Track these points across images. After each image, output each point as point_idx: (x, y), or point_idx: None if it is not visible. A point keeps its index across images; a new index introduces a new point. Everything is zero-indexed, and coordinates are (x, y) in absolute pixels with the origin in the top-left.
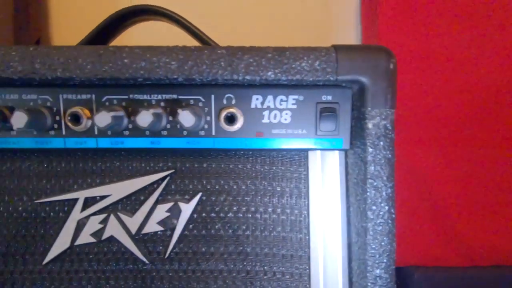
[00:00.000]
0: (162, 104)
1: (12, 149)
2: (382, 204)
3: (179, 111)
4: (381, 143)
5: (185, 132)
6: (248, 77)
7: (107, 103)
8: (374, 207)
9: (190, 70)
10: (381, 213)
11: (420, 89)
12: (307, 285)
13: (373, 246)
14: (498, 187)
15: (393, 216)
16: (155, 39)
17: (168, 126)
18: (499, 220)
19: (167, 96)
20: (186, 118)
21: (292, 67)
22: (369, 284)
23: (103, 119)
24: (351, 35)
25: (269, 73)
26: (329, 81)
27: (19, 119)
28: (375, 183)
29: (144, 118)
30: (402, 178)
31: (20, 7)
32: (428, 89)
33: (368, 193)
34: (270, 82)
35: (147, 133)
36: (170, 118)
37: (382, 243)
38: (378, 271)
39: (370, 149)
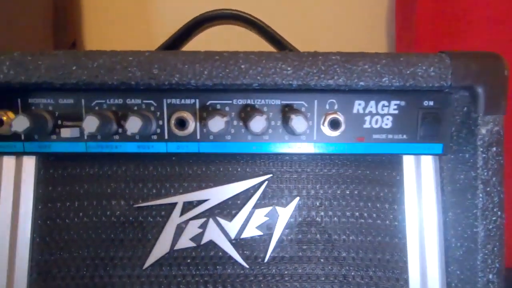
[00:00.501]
0: (266, 109)
1: (112, 153)
2: (495, 210)
3: (292, 116)
4: (493, 148)
5: (286, 137)
6: (362, 83)
7: (210, 108)
8: (486, 213)
9: (305, 76)
10: (493, 218)
11: None
12: None
13: (485, 252)
14: None
15: (503, 220)
16: (213, 43)
17: (271, 130)
18: None
19: (274, 102)
20: (298, 123)
21: (407, 73)
22: None
23: (214, 124)
24: (381, 40)
25: (384, 79)
26: (441, 87)
27: (133, 124)
28: (487, 189)
29: (258, 124)
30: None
31: (59, 10)
32: None
33: (480, 199)
34: (384, 88)
35: (249, 138)
36: (277, 123)
37: (495, 248)
38: (490, 276)
39: (483, 155)
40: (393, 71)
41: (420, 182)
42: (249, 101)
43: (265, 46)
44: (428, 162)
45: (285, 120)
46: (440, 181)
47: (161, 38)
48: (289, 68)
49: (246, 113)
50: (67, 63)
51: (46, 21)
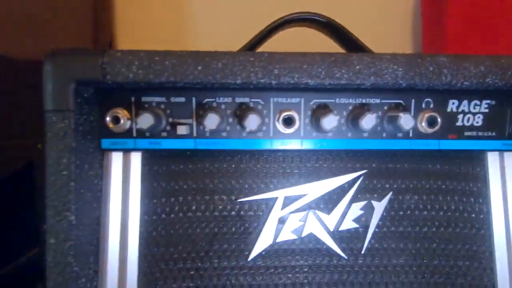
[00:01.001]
0: (385, 108)
1: (214, 150)
2: None
3: (401, 114)
4: None
5: (384, 134)
6: (466, 83)
7: (314, 107)
8: None
9: (413, 77)
10: None
11: None
12: (493, 279)
13: None
14: None
15: None
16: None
17: (371, 128)
18: None
19: (378, 101)
20: (407, 121)
21: (509, 73)
22: None
23: (329, 121)
24: (407, 39)
25: (487, 79)
26: None
27: (253, 122)
28: None
29: (368, 122)
30: None
31: (99, 10)
32: None
33: None
34: (485, 88)
35: (349, 134)
36: (380, 121)
37: None
38: None
39: None
40: (496, 71)
41: (504, 176)
42: (357, 101)
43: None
44: (511, 158)
45: (391, 119)
46: None
47: (191, 36)
48: (400, 69)
49: (354, 113)
50: (193, 63)
51: (87, 20)
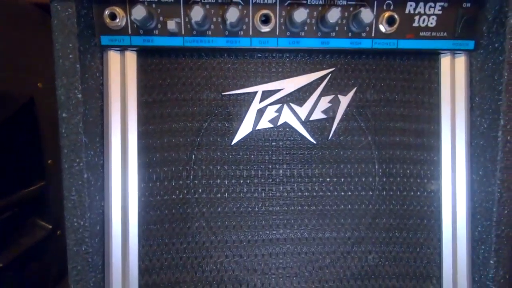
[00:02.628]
0: (351, 9)
1: (203, 47)
2: None
3: (362, 9)
4: None
5: (350, 34)
6: None
7: (288, 6)
8: (510, 87)
9: None
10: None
11: None
12: (438, 166)
13: (507, 118)
14: None
15: None
16: None
17: (337, 28)
18: None
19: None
20: (367, 16)
21: None
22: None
23: (299, 14)
24: None
25: None
26: None
27: (233, 13)
28: None
29: (333, 15)
30: None
31: None
32: None
33: (505, 76)
34: None
35: (319, 34)
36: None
37: None
38: (509, 137)
39: (511, 41)
40: None
41: (454, 76)
42: (326, 1)
43: None
44: (461, 60)
45: (355, 16)
46: (469, 74)
47: None
48: None
49: (322, 11)
50: None
51: None
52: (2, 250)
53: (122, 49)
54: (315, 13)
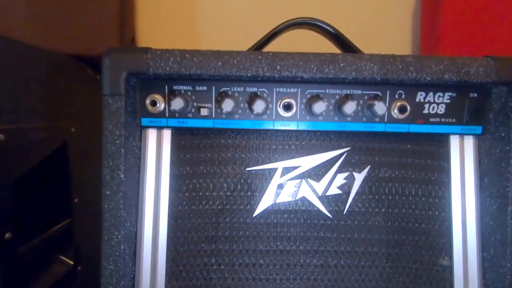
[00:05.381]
0: (366, 97)
1: (232, 129)
2: None
3: (376, 102)
4: None
5: (364, 119)
6: (428, 78)
7: (308, 96)
8: None
9: (386, 73)
10: None
11: None
12: (450, 237)
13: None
14: None
15: None
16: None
17: (353, 114)
18: None
19: (359, 92)
20: (380, 108)
21: (462, 71)
22: (509, 232)
23: (318, 107)
24: (407, 39)
25: (445, 76)
26: (487, 82)
27: (259, 106)
28: None
29: (350, 108)
30: None
31: (124, 9)
32: None
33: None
34: (441, 83)
35: (336, 118)
36: (361, 108)
37: None
38: None
39: None
40: (453, 69)
41: (463, 156)
42: (343, 91)
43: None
44: (469, 141)
45: (370, 106)
46: (478, 155)
47: (204, 36)
48: (375, 67)
49: (340, 101)
50: (214, 60)
51: (114, 18)
52: (26, 285)
53: (159, 128)
54: (332, 100)
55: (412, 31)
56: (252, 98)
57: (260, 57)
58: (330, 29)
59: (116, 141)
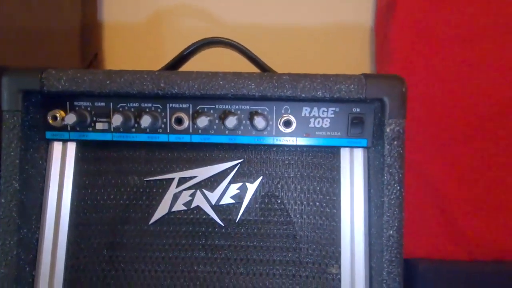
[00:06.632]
0: (239, 112)
1: (131, 142)
2: (395, 185)
3: (255, 117)
4: (395, 142)
5: (254, 132)
6: (303, 95)
7: (200, 110)
8: (389, 187)
9: (264, 90)
10: (394, 191)
11: (428, 102)
12: (339, 246)
13: (388, 214)
14: (500, 186)
15: (403, 194)
16: (209, 63)
17: (242, 127)
18: (500, 217)
19: (244, 107)
20: (260, 122)
21: (335, 88)
22: (384, 241)
23: (201, 121)
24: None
25: (318, 93)
26: (359, 98)
27: (146, 121)
28: (390, 170)
29: (231, 122)
30: (411, 179)
31: (85, 27)
32: (436, 101)
33: (385, 177)
34: (317, 99)
35: (227, 132)
36: (247, 122)
37: (395, 212)
38: (391, 231)
39: (388, 146)
40: (325, 87)
41: (353, 168)
42: (226, 106)
43: (249, 66)
44: (359, 154)
45: (252, 120)
46: (367, 167)
47: (168, 55)
48: (253, 84)
49: (224, 114)
50: (104, 78)
51: (74, 35)
52: None
53: (64, 140)
54: (216, 115)
55: (370, 51)
56: (139, 112)
57: (145, 75)
58: (240, 47)
59: (12, 153)
